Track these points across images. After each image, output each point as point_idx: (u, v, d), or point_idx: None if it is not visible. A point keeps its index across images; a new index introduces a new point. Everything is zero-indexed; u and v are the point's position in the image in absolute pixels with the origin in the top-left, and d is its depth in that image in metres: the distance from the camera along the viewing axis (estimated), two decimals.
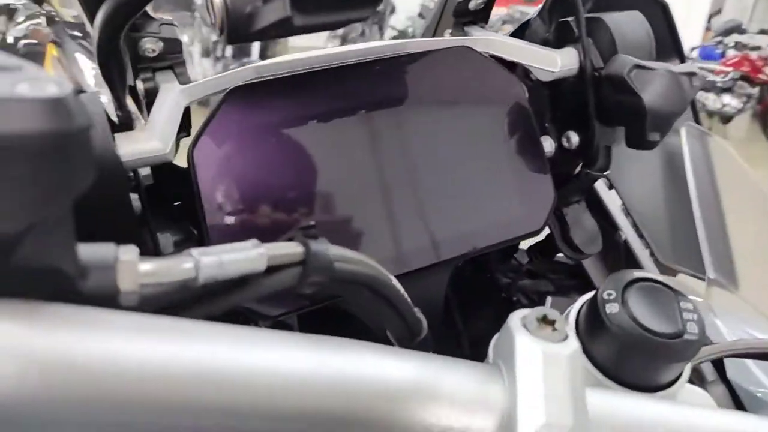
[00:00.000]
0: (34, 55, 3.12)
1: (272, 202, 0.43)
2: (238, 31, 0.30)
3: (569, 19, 0.51)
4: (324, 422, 0.23)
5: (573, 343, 0.27)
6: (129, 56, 0.45)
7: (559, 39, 0.52)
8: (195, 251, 0.23)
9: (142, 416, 0.18)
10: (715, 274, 0.51)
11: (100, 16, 0.34)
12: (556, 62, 0.50)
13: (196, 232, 0.45)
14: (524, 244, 0.67)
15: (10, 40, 3.43)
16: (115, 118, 0.42)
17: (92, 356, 0.18)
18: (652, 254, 0.57)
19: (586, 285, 0.65)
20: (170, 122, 0.40)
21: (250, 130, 0.43)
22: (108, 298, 0.20)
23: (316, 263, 0.28)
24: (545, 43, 0.53)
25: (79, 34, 2.86)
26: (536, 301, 0.69)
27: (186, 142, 0.45)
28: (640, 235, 0.58)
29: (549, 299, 0.60)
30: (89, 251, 0.20)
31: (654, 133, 0.46)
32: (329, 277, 0.29)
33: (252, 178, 0.43)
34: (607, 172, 0.55)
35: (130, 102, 0.48)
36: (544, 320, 0.28)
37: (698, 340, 0.32)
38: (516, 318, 0.28)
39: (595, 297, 0.34)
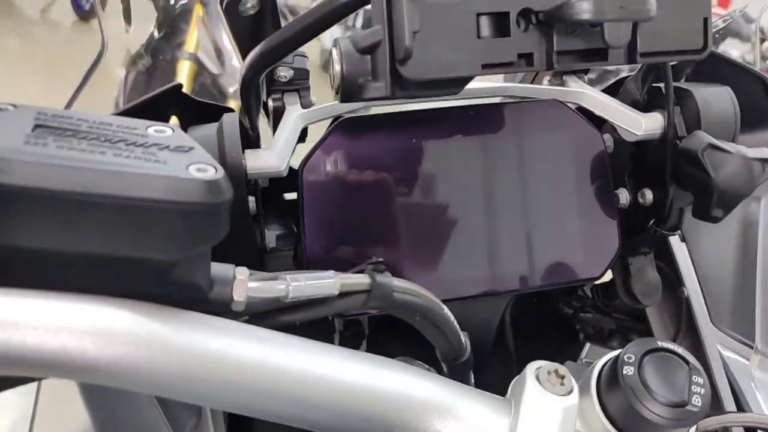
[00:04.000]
0: (185, 13, 3.39)
1: (359, 221, 0.51)
2: (349, 96, 0.38)
3: (660, 85, 0.54)
4: (360, 421, 0.30)
5: (573, 399, 0.32)
6: (265, 78, 0.54)
7: (649, 103, 0.56)
8: (288, 276, 0.31)
9: (225, 394, 0.27)
10: (762, 344, 0.53)
11: (250, 56, 0.42)
12: (640, 125, 0.54)
13: (296, 229, 0.54)
14: None
15: (171, 1, 3.75)
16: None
17: (205, 349, 0.26)
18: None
19: (647, 329, 0.68)
20: (288, 144, 0.49)
21: (350, 157, 0.51)
22: (225, 304, 0.29)
23: (379, 292, 0.35)
24: (635, 104, 0.56)
25: None
26: (595, 334, 0.73)
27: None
28: (703, 296, 0.61)
29: (587, 346, 0.64)
30: (216, 269, 0.29)
31: (718, 209, 0.49)
32: (389, 304, 0.36)
33: (347, 199, 0.51)
34: (678, 232, 0.58)
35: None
36: (556, 373, 0.34)
37: (699, 411, 0.36)
38: (532, 366, 0.34)
39: (617, 357, 0.39)
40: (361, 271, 0.36)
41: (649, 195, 0.57)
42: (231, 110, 0.51)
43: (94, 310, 0.25)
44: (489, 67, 0.35)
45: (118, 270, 0.26)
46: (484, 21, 0.35)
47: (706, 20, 0.38)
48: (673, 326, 0.66)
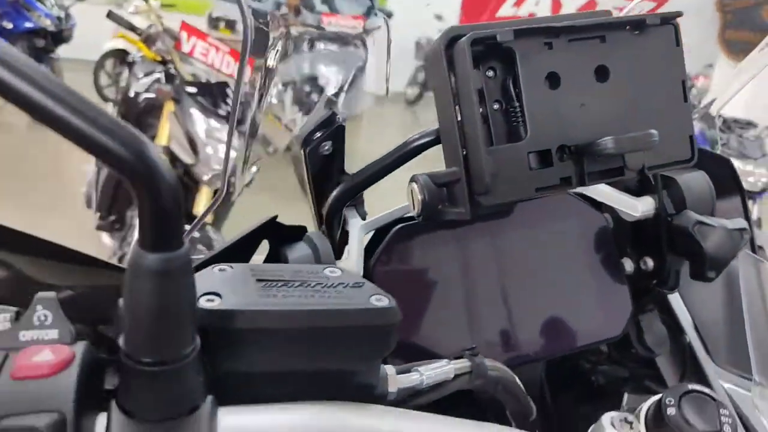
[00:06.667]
0: (152, 108, 3.49)
1: (423, 310, 0.61)
2: (428, 218, 0.48)
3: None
4: None
5: None
6: None
7: (640, 188, 0.68)
8: (422, 368, 0.41)
9: None
10: (759, 376, 0.64)
11: (335, 193, 0.53)
12: (636, 208, 0.66)
13: None
14: None
15: (131, 94, 3.86)
16: None
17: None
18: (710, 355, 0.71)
19: (657, 376, 0.79)
20: (358, 254, 0.59)
21: (406, 258, 0.62)
22: (383, 396, 0.38)
23: (478, 372, 0.45)
24: (628, 190, 0.69)
25: (195, 91, 3.13)
26: (613, 383, 0.84)
27: None
28: (702, 340, 0.72)
29: (626, 396, 0.74)
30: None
31: (711, 271, 0.61)
32: (485, 380, 0.46)
33: (409, 291, 0.61)
34: (676, 290, 0.70)
35: None
36: (626, 420, 0.44)
37: None
38: (607, 417, 0.44)
39: (659, 401, 0.49)
40: (460, 357, 0.46)
41: (650, 262, 0.69)
42: (304, 228, 0.61)
43: (308, 414, 0.34)
44: (540, 190, 0.47)
45: (318, 380, 0.35)
46: (533, 157, 0.47)
47: (691, 137, 0.51)
48: (680, 370, 0.76)
